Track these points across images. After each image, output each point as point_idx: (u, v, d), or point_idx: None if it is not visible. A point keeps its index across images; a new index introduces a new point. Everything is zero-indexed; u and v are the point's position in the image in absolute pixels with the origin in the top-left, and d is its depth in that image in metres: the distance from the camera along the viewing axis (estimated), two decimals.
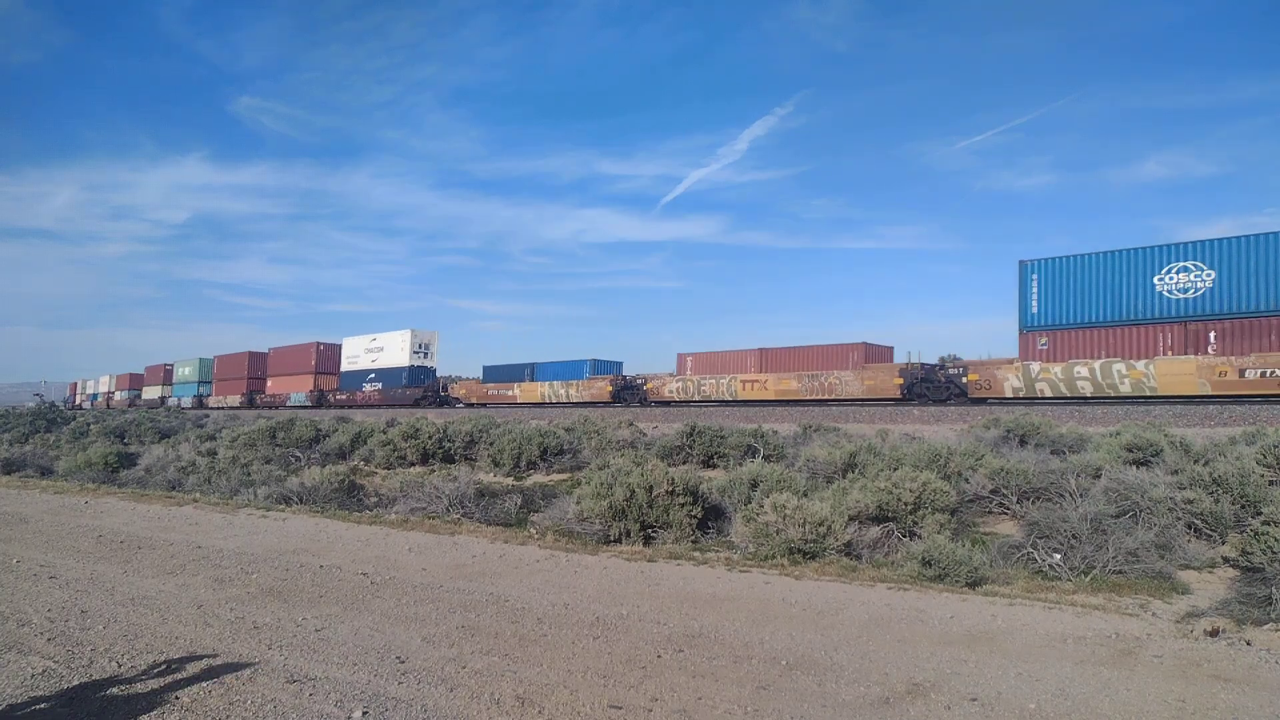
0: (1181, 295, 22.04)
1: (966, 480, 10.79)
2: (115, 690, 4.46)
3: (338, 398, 51.53)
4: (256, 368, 59.87)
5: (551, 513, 11.26)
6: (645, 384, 37.51)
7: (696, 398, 35.08)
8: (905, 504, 9.26)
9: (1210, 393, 21.27)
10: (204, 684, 4.53)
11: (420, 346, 48.27)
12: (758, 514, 8.68)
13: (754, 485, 10.79)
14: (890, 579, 7.30)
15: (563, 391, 41.71)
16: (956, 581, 7.17)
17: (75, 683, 4.57)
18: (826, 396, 30.29)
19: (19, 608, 6.32)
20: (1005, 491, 10.34)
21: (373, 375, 49.92)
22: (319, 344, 54.61)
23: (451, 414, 32.79)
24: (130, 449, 24.83)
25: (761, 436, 16.39)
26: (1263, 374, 20.25)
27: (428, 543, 9.34)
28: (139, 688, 4.49)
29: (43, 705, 4.25)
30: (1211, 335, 21.64)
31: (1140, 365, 22.24)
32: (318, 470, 14.97)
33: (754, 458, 14.11)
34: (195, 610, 6.25)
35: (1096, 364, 22.96)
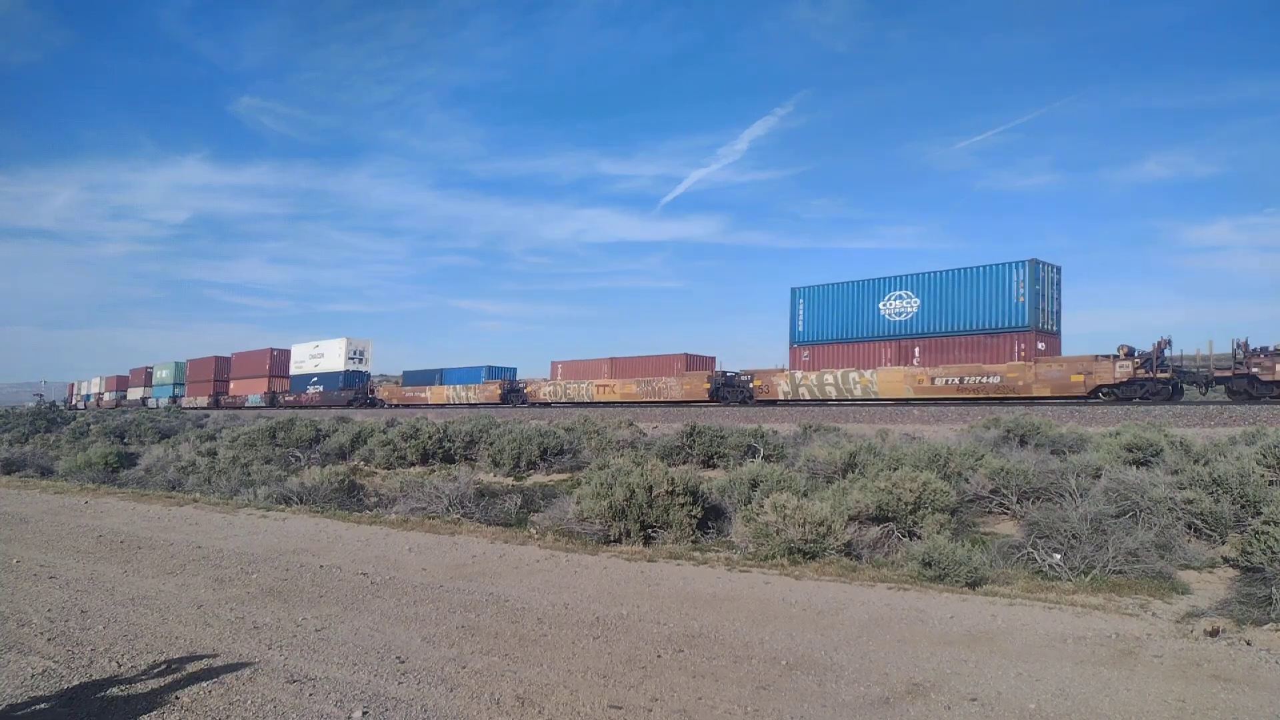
0: (897, 318, 28.44)
1: (966, 480, 10.79)
2: (115, 690, 4.46)
3: (287, 399, 56.39)
4: (222, 371, 64.73)
5: (551, 513, 11.26)
6: (526, 388, 43.53)
7: (564, 399, 40.67)
8: (905, 504, 9.26)
9: (913, 396, 27.14)
10: (204, 684, 4.53)
11: (355, 353, 53.61)
12: (758, 514, 8.67)
13: (754, 485, 10.79)
14: (890, 579, 7.30)
15: (463, 394, 47.02)
16: (956, 581, 7.17)
17: (75, 683, 4.57)
18: (657, 399, 35.82)
19: (19, 608, 6.32)
20: (1005, 491, 10.34)
21: (315, 379, 55.28)
22: (272, 350, 59.91)
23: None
24: (130, 449, 24.84)
25: (761, 436, 16.39)
26: (947, 381, 26.48)
27: (428, 543, 9.34)
28: (139, 688, 4.49)
29: (43, 705, 4.25)
30: (916, 350, 27.76)
31: (867, 374, 28.64)
32: (318, 470, 14.97)
33: (754, 458, 14.11)
34: (195, 610, 6.25)
35: (839, 373, 29.41)
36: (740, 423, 20.46)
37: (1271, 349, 21.86)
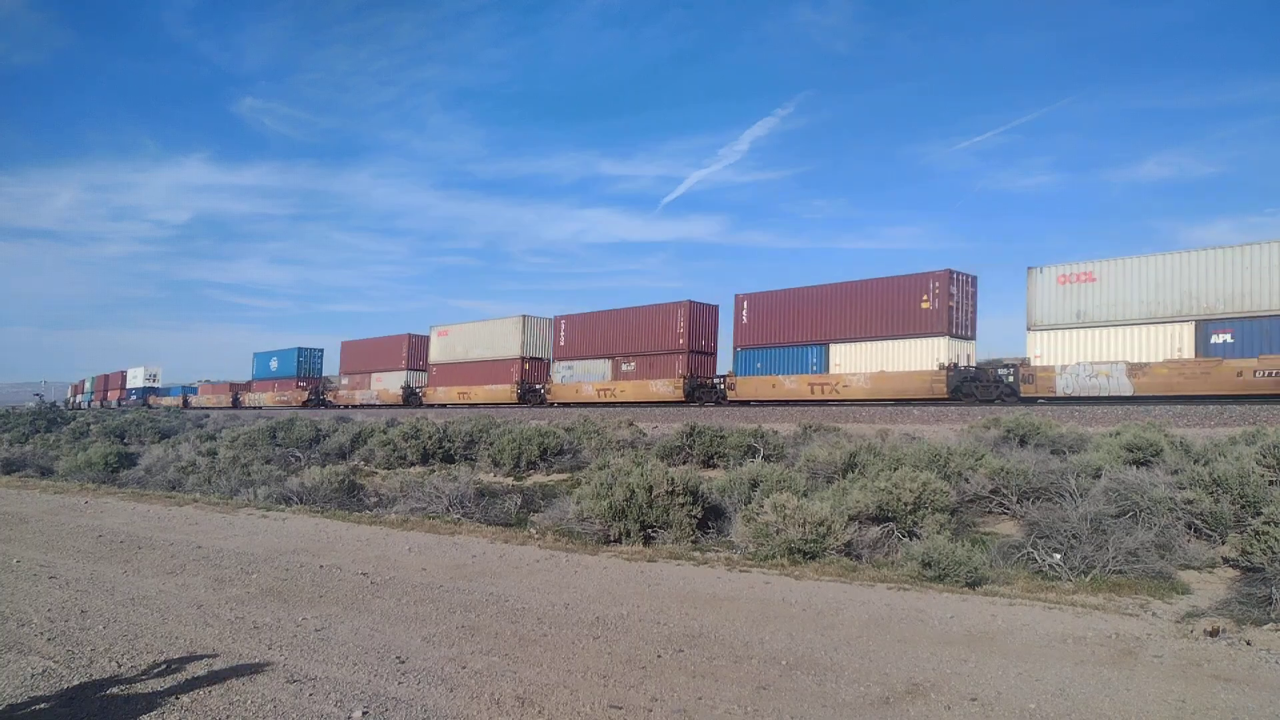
0: (273, 369, 57.72)
1: (966, 480, 10.77)
2: (115, 690, 4.46)
3: (123, 403, 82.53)
4: (105, 383, 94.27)
5: (551, 513, 11.26)
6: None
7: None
8: (905, 504, 9.25)
9: (277, 405, 53.73)
10: (204, 684, 4.53)
11: (150, 375, 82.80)
12: (758, 514, 8.67)
13: (754, 485, 10.78)
14: (890, 579, 7.30)
15: (177, 400, 73.29)
16: (956, 581, 7.17)
17: (75, 683, 4.57)
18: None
19: (19, 608, 6.32)
20: (1005, 491, 10.33)
21: (132, 391, 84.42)
22: (123, 371, 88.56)
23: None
24: (130, 449, 24.81)
25: (761, 436, 16.38)
26: (292, 400, 54.35)
27: (428, 543, 9.34)
28: (139, 688, 4.50)
29: (43, 705, 4.25)
30: (277, 385, 56.97)
31: (281, 395, 56.63)
32: (318, 470, 14.95)
33: (754, 458, 14.10)
34: (195, 610, 6.25)
35: (266, 394, 59.26)
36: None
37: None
